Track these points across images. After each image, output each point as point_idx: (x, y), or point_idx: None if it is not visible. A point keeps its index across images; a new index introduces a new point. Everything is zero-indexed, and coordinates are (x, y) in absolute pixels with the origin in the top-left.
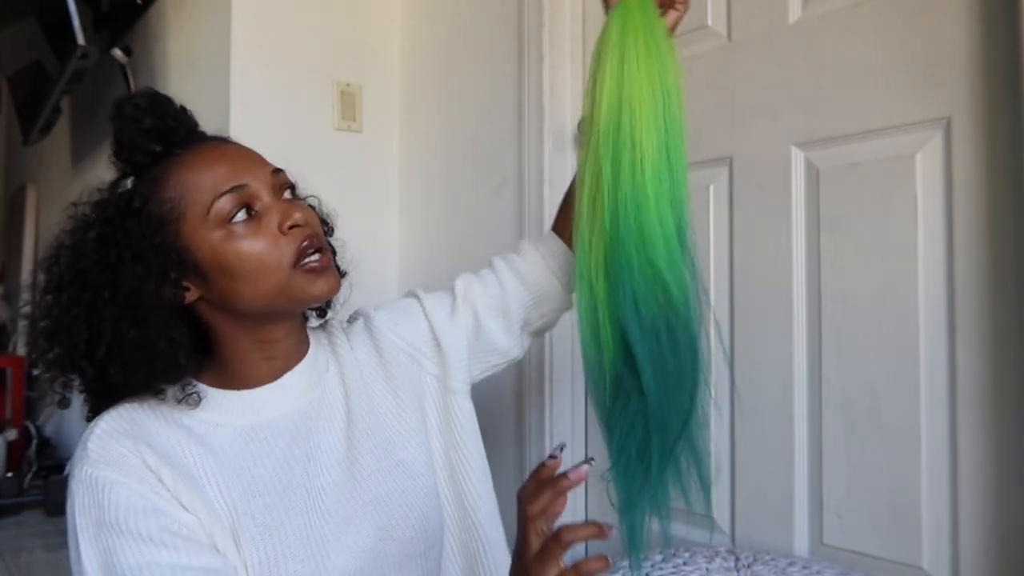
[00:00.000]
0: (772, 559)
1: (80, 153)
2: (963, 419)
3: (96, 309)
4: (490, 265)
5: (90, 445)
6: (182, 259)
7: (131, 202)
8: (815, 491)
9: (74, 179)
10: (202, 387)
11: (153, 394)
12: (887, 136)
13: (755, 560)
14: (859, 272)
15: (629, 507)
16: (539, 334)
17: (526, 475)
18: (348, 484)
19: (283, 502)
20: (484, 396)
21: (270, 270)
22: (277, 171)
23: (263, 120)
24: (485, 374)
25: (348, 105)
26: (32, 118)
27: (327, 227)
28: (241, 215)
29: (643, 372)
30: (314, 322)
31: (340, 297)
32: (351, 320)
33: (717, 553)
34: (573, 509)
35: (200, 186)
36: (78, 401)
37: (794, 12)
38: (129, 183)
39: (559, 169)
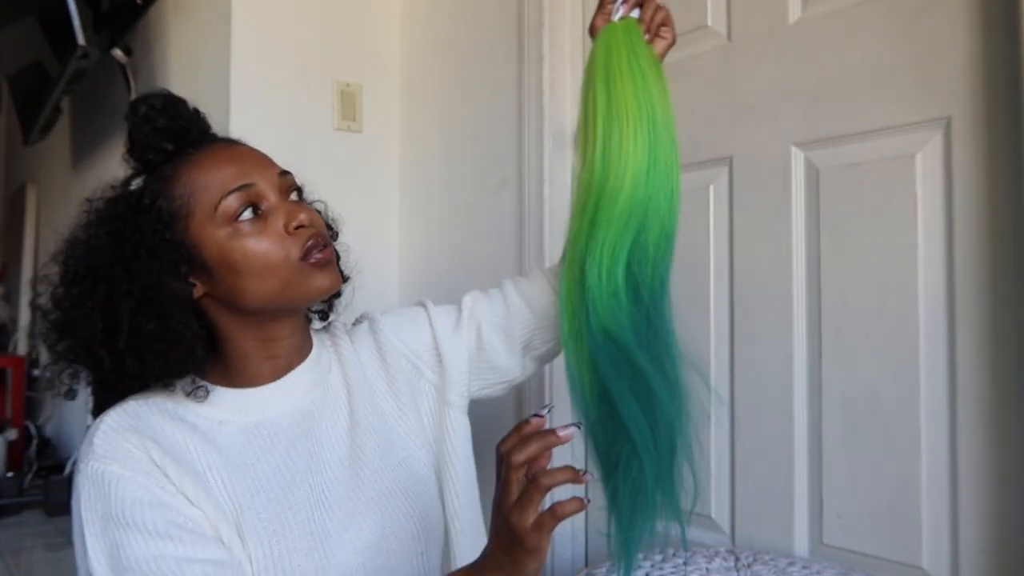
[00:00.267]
0: (772, 559)
1: (80, 153)
2: (963, 419)
3: (113, 302)
4: (500, 286)
5: (96, 440)
6: (190, 255)
7: (142, 198)
8: (815, 491)
9: (74, 179)
10: (207, 384)
11: (163, 387)
12: (887, 136)
13: (755, 560)
14: (859, 272)
15: (624, 535)
16: (544, 361)
17: None
18: (351, 481)
19: (287, 497)
20: (484, 419)
21: (274, 267)
22: (285, 173)
23: (263, 120)
24: (484, 392)
25: (348, 105)
26: (32, 118)
27: (332, 231)
28: (248, 214)
29: (622, 401)
30: (317, 325)
31: (343, 301)
32: (356, 323)
33: (717, 553)
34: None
35: (209, 184)
36: (78, 401)
37: (794, 12)
38: (141, 180)
39: (559, 169)
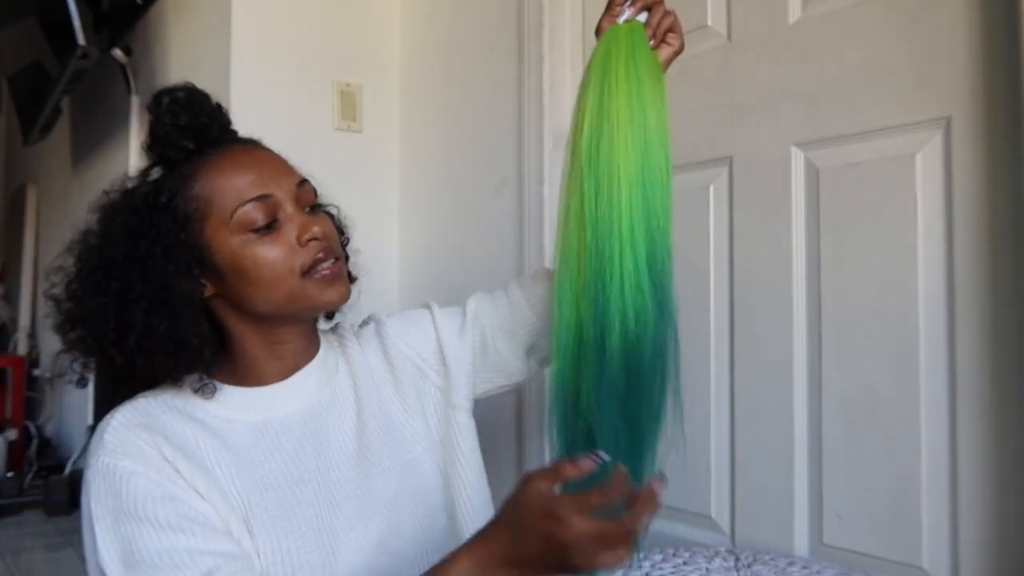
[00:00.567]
0: (772, 559)
1: (80, 153)
2: (963, 419)
3: (125, 300)
4: (505, 287)
5: (106, 436)
6: (203, 258)
7: (159, 196)
8: (815, 491)
9: (74, 179)
10: (215, 382)
11: (171, 383)
12: (887, 136)
13: (755, 560)
14: (859, 272)
15: None
16: (549, 363)
17: None
18: (359, 480)
19: (295, 495)
20: (484, 418)
21: (283, 278)
22: (303, 182)
23: (263, 120)
24: (489, 393)
25: (348, 105)
26: (32, 118)
27: (343, 236)
28: (262, 223)
29: (604, 408)
30: (323, 325)
31: (348, 301)
32: (363, 324)
33: (717, 553)
34: None
35: (226, 191)
36: (79, 400)
37: (794, 12)
38: (158, 172)
39: (559, 169)
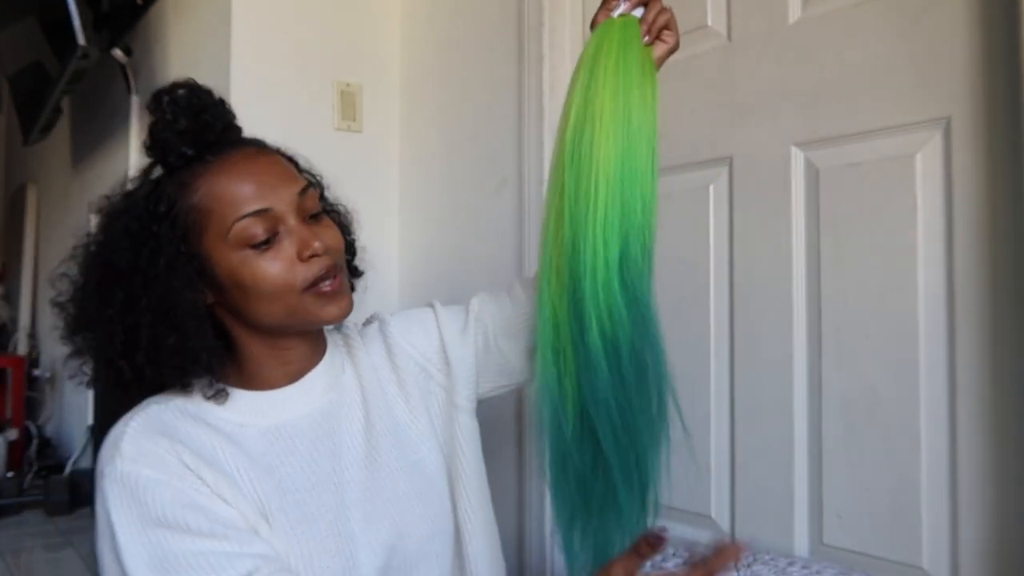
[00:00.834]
0: (772, 559)
1: (80, 153)
2: (963, 419)
3: (131, 312)
4: (508, 287)
5: (123, 444)
6: (203, 268)
7: (159, 204)
8: (815, 491)
9: (74, 179)
10: (226, 387)
11: (180, 387)
12: (887, 136)
13: (755, 560)
14: (859, 272)
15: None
16: None
17: (525, 500)
18: (369, 482)
19: (313, 499)
20: (484, 418)
21: (283, 294)
22: (305, 190)
23: (263, 120)
24: (492, 393)
25: (348, 105)
26: (32, 118)
27: (349, 236)
28: (262, 238)
29: (595, 409)
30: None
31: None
32: (367, 323)
33: None
34: None
35: (224, 203)
36: (79, 401)
37: (794, 12)
38: (158, 173)
39: None
